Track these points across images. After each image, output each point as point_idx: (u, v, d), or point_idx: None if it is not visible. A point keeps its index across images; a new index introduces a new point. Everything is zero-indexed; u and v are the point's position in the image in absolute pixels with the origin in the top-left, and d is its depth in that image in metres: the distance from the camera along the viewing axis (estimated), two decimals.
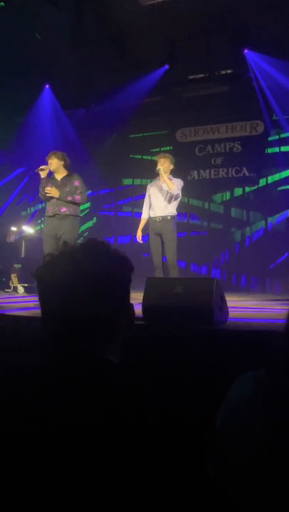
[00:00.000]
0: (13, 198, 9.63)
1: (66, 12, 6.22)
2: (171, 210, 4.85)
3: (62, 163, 4.56)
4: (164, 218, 4.83)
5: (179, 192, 4.87)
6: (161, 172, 4.79)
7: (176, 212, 4.92)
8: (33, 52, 6.98)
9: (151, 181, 5.11)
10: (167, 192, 4.81)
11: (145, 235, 5.09)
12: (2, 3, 6.27)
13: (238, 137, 8.06)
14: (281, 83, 7.03)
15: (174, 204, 4.88)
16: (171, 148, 8.08)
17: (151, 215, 4.91)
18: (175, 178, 4.92)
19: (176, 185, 4.79)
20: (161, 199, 4.86)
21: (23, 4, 6.23)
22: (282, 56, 6.70)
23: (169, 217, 4.83)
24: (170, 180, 4.83)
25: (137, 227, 5.12)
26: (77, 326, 0.85)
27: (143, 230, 5.07)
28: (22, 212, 9.58)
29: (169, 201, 4.83)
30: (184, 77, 7.66)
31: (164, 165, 4.83)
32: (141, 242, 5.09)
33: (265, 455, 0.75)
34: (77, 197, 4.49)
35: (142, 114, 8.01)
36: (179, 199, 4.93)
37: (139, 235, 5.07)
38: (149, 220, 4.94)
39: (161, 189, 4.87)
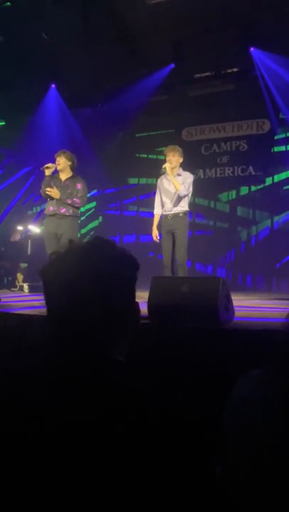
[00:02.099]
0: (19, 197, 9.67)
1: (72, 11, 6.23)
2: (182, 207, 4.67)
3: (69, 163, 4.58)
4: (176, 215, 4.65)
5: (190, 188, 4.68)
6: (168, 171, 4.61)
7: (188, 209, 4.74)
8: (39, 52, 7.00)
9: (157, 179, 4.97)
10: (175, 192, 4.64)
11: (159, 234, 4.92)
12: (8, 3, 6.29)
13: (244, 136, 8.03)
14: (288, 81, 6.99)
15: (186, 200, 4.69)
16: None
17: (164, 212, 4.73)
18: (185, 172, 4.71)
19: (184, 185, 4.59)
20: (170, 197, 4.68)
21: (29, 4, 6.24)
22: (288, 54, 6.66)
23: (181, 214, 4.65)
24: (179, 175, 4.65)
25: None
26: (83, 324, 0.85)
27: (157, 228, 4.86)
28: (28, 211, 9.62)
29: (178, 200, 4.65)
30: (189, 76, 7.65)
31: (173, 158, 4.62)
32: (158, 240, 4.83)
33: (266, 455, 0.74)
34: (77, 200, 4.51)
35: (147, 112, 8.00)
36: (190, 194, 4.74)
37: (155, 233, 4.82)
38: (162, 217, 4.76)
39: (169, 186, 4.70)
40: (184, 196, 4.67)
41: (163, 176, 4.81)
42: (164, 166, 4.66)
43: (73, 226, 4.56)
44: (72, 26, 6.52)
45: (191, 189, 4.71)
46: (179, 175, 4.69)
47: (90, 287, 0.85)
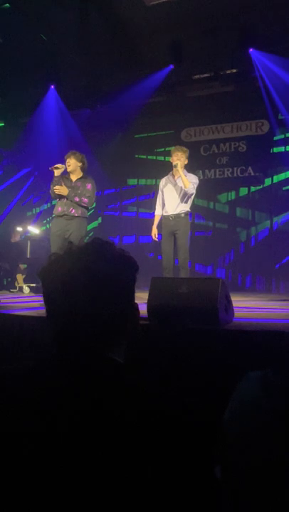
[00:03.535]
0: (18, 198, 9.65)
1: (71, 12, 6.24)
2: (184, 207, 4.69)
3: (80, 164, 4.54)
4: (177, 216, 4.67)
5: (194, 190, 4.73)
6: (178, 168, 4.62)
7: (190, 210, 4.77)
8: (38, 53, 7.00)
9: (157, 181, 4.99)
10: (182, 189, 4.65)
11: (158, 235, 4.94)
12: (8, 5, 6.30)
13: (244, 137, 8.04)
14: (287, 82, 6.99)
15: (189, 201, 4.73)
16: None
17: (164, 214, 4.75)
18: (190, 174, 4.77)
19: (191, 184, 4.63)
20: (175, 196, 4.70)
21: (29, 5, 6.24)
22: (287, 55, 6.67)
23: (182, 215, 4.67)
24: (185, 176, 4.68)
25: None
26: (82, 325, 0.85)
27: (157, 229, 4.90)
28: (27, 212, 9.61)
29: (183, 199, 4.67)
30: (188, 77, 7.65)
31: (181, 159, 4.66)
32: (156, 239, 4.89)
33: (266, 455, 0.74)
34: (85, 200, 4.49)
35: (147, 114, 8.00)
36: (193, 196, 4.78)
37: (154, 232, 4.88)
38: (163, 218, 4.79)
39: (175, 185, 4.72)
40: (190, 195, 4.70)
41: (166, 178, 4.85)
42: (175, 163, 4.68)
43: (81, 227, 4.52)
44: (71, 27, 6.52)
45: (194, 191, 4.76)
46: (184, 175, 4.72)
47: (89, 288, 0.86)
